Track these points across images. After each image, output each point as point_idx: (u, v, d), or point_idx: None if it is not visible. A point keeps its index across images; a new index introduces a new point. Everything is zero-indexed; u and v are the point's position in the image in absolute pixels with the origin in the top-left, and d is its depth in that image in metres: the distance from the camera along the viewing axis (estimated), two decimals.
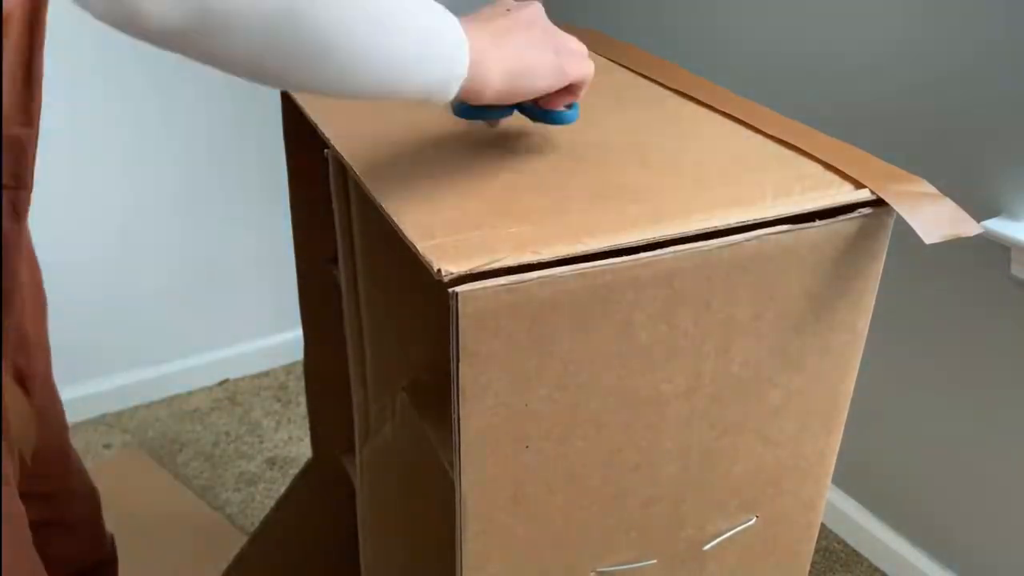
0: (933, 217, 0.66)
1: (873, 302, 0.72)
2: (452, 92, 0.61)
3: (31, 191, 0.75)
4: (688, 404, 0.68)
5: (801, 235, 0.65)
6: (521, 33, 0.65)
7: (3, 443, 0.68)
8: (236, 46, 0.49)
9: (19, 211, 0.73)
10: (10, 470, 0.70)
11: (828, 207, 0.65)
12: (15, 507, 0.69)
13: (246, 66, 0.52)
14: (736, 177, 0.69)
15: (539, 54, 0.66)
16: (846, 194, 0.66)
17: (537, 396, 0.62)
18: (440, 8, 0.59)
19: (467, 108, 0.69)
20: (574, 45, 0.69)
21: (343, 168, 0.77)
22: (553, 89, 0.68)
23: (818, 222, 0.65)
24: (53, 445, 0.89)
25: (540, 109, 0.71)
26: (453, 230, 0.60)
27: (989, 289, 1.29)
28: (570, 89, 0.69)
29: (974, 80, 1.23)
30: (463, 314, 0.56)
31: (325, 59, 0.52)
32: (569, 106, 0.71)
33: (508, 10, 0.67)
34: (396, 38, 0.54)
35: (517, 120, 0.73)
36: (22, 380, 0.79)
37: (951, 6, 1.23)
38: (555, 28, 0.69)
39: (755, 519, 0.78)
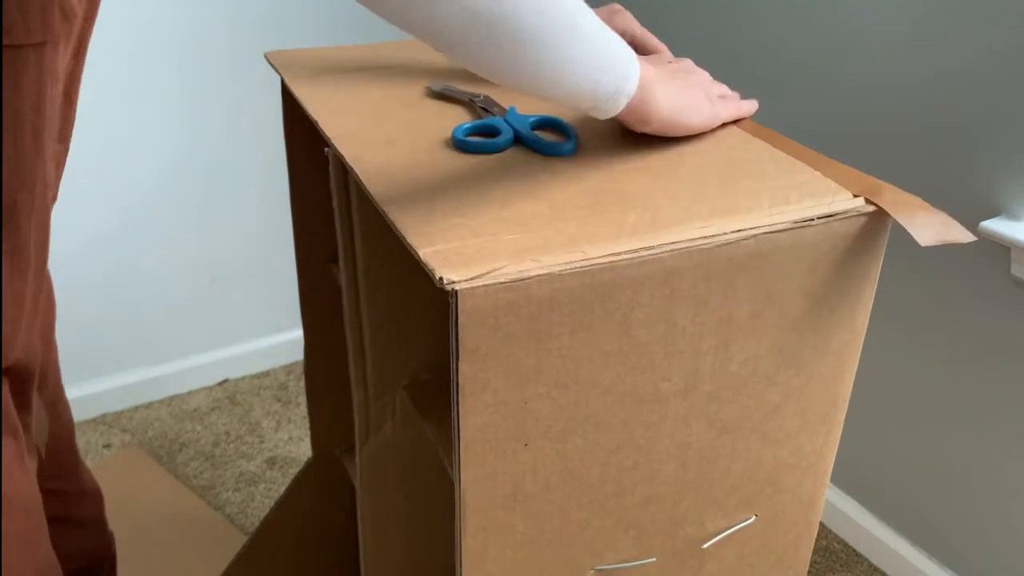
0: (928, 222, 0.66)
1: (872, 301, 0.72)
2: (619, 106, 0.67)
3: (55, 201, 0.78)
4: (687, 402, 0.68)
5: (799, 234, 0.65)
6: (682, 76, 0.75)
7: (25, 439, 0.69)
8: (444, 22, 0.55)
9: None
10: (32, 464, 0.70)
11: (824, 215, 0.66)
12: (35, 498, 0.70)
13: (448, 43, 0.58)
14: (733, 184, 0.69)
15: (697, 97, 0.74)
16: (843, 202, 0.67)
17: (536, 394, 0.62)
18: (618, 37, 0.66)
19: (468, 142, 0.73)
20: (727, 91, 0.79)
21: (343, 167, 0.77)
22: (706, 128, 0.76)
23: (816, 221, 0.65)
24: (63, 442, 0.90)
25: (540, 141, 0.74)
26: (454, 236, 0.60)
27: (989, 289, 1.29)
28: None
29: (974, 80, 1.23)
30: (463, 312, 0.56)
31: (520, 52, 0.58)
32: (567, 138, 0.75)
33: (669, 62, 0.78)
34: (581, 46, 0.61)
35: None
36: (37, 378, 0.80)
37: (952, 5, 1.23)
38: (709, 77, 0.79)
39: (754, 518, 0.78)
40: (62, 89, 0.70)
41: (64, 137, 0.76)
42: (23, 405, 0.70)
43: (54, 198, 0.79)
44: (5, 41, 0.57)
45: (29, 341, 0.69)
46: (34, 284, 0.67)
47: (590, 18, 0.62)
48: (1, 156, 0.60)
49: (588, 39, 0.62)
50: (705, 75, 0.79)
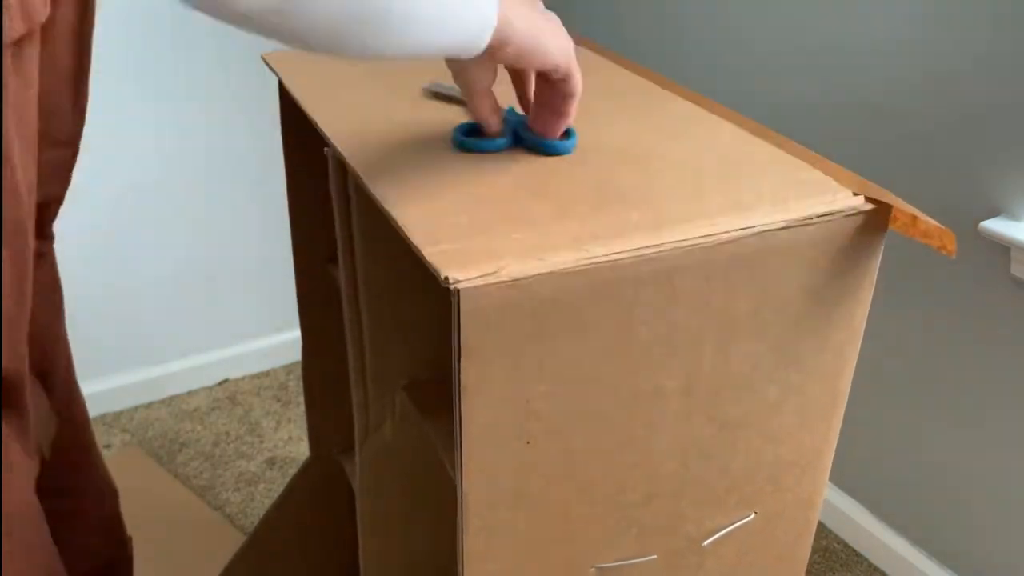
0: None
1: (870, 298, 0.72)
2: (484, 42, 0.63)
3: (61, 204, 0.78)
4: (687, 400, 0.68)
5: (799, 232, 0.65)
6: (541, 13, 0.69)
7: (23, 438, 0.69)
8: (316, 19, 0.54)
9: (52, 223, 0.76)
10: (26, 464, 0.70)
11: (826, 213, 0.66)
12: (30, 497, 0.70)
13: (325, 37, 0.56)
14: (735, 182, 0.69)
15: (555, 33, 0.68)
16: (843, 200, 0.67)
17: (538, 392, 0.62)
18: None
19: (467, 141, 0.73)
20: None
21: (343, 167, 0.77)
22: (559, 72, 0.68)
23: (817, 219, 0.65)
24: (73, 440, 0.89)
25: (539, 139, 0.73)
26: (457, 235, 0.60)
27: (989, 289, 1.29)
28: (563, 93, 0.70)
29: (974, 79, 1.23)
30: (465, 311, 0.56)
31: (387, 19, 0.56)
32: (567, 136, 0.74)
33: None
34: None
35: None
36: (42, 377, 0.80)
37: (952, 5, 1.23)
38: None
39: (754, 515, 0.78)
40: (36, 92, 0.69)
41: (74, 141, 0.76)
42: (11, 407, 0.70)
43: (56, 200, 0.79)
44: None
45: (13, 348, 0.68)
46: (11, 291, 0.66)
47: None
48: None
49: None
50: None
